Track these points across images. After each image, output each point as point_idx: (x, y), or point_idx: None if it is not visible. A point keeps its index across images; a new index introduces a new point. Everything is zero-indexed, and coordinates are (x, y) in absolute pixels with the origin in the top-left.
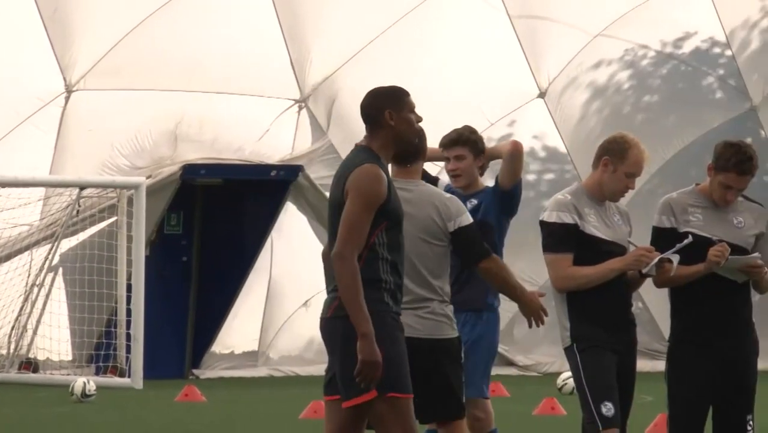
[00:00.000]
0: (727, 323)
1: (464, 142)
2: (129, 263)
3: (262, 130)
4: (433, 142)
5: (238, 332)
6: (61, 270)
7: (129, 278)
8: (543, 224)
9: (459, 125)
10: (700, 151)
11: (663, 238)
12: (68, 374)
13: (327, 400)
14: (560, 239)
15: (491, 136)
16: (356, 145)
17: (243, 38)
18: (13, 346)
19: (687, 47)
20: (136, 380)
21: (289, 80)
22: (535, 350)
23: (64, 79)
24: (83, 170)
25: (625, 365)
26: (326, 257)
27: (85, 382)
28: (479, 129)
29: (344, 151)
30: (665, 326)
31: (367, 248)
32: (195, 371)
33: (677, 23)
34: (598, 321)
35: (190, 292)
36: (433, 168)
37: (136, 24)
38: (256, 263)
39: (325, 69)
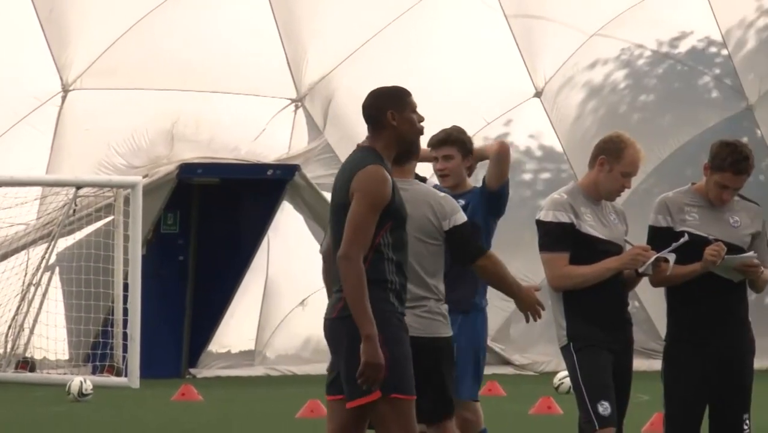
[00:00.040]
0: (723, 322)
1: (453, 142)
2: (126, 262)
3: (258, 130)
4: (426, 141)
5: (235, 331)
6: (57, 269)
7: (126, 277)
8: (539, 223)
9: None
10: (696, 151)
11: (659, 237)
12: (65, 374)
13: (330, 400)
14: (556, 238)
15: (487, 135)
16: (359, 146)
17: (239, 38)
18: (9, 345)
19: (683, 47)
20: (132, 379)
21: (285, 80)
22: (532, 349)
23: (61, 78)
24: (80, 170)
25: (621, 364)
26: (327, 256)
27: (81, 381)
28: (475, 128)
29: (341, 150)
30: (661, 325)
31: (373, 248)
32: (192, 371)
33: (673, 23)
34: (595, 320)
35: (186, 291)
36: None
37: (133, 24)
38: (253, 262)
39: (321, 68)
